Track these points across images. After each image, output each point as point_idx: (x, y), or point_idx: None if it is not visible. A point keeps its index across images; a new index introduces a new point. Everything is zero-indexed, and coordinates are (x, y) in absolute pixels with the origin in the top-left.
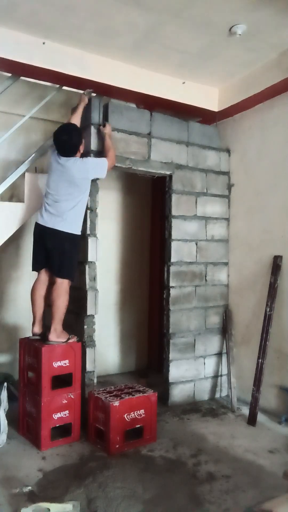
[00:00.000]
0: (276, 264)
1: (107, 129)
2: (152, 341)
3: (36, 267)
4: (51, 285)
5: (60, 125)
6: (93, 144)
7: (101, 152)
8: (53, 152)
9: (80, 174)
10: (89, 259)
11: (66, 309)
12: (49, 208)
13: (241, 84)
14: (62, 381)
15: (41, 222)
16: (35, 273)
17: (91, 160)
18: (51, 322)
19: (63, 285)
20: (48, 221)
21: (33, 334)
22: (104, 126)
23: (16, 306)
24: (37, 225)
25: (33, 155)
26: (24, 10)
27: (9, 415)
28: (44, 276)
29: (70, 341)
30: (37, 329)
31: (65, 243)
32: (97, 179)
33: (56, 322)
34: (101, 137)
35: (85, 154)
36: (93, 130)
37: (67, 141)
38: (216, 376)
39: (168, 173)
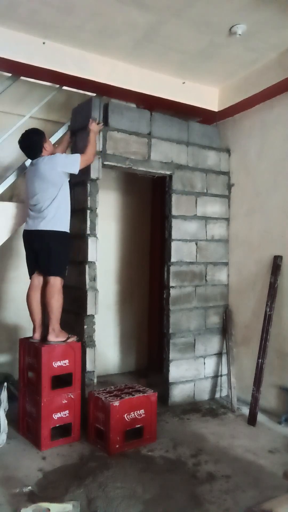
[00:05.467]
0: (276, 264)
1: (93, 126)
2: (152, 341)
3: (30, 272)
4: (45, 286)
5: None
6: None
7: (101, 152)
8: (27, 170)
9: (47, 168)
10: (89, 259)
11: (61, 308)
12: (31, 213)
13: (241, 84)
14: (62, 381)
15: (26, 227)
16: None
17: (61, 155)
18: (48, 323)
19: (55, 285)
20: (32, 225)
21: (34, 339)
22: (91, 122)
23: (16, 306)
24: (24, 232)
25: None
26: (24, 10)
27: (9, 415)
28: (36, 280)
29: (69, 340)
30: (38, 335)
31: (50, 241)
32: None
33: (54, 322)
34: (100, 137)
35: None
36: None
37: (30, 142)
38: (216, 376)
39: (168, 173)
